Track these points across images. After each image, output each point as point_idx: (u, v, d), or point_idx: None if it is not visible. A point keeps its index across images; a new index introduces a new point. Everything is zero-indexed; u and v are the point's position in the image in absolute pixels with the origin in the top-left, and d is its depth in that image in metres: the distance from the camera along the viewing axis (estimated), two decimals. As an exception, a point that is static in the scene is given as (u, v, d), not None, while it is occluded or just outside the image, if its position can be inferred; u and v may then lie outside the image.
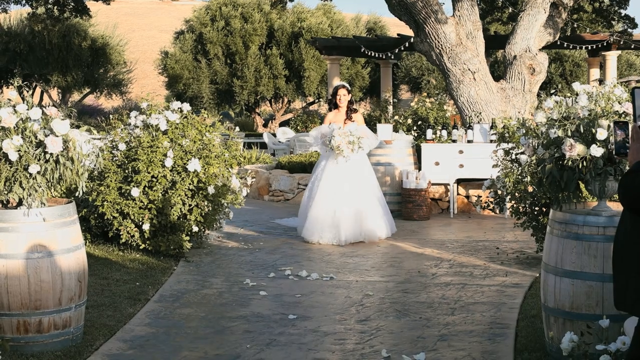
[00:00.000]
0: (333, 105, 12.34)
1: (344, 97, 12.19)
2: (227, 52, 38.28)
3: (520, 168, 9.92)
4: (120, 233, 10.49)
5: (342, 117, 12.13)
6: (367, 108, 40.16)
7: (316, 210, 11.67)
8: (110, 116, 11.33)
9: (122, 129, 10.91)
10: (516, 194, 10.14)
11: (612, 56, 27.63)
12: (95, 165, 6.96)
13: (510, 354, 6.56)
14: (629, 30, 26.23)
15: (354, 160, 11.72)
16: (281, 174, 17.03)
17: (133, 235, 10.49)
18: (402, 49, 24.01)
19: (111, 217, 10.44)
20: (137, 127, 10.79)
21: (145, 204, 10.34)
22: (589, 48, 25.97)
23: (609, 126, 6.05)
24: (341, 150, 11.51)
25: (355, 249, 11.25)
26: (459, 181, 14.79)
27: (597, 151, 6.00)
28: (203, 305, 8.24)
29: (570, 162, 6.10)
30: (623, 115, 6.25)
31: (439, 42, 15.87)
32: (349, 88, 12.42)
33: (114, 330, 7.26)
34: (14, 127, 6.41)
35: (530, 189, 9.81)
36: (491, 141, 14.09)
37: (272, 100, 40.16)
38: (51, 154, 6.41)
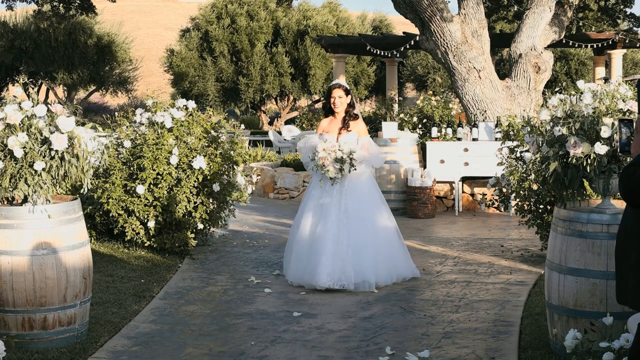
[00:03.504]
0: (327, 109, 9.48)
1: (339, 100, 9.26)
2: (233, 50, 38.32)
3: (524, 166, 9.92)
4: (126, 230, 10.50)
5: (338, 124, 9.30)
6: (372, 106, 40.18)
7: (298, 245, 9.08)
8: (116, 113, 11.35)
9: (127, 127, 10.92)
10: (521, 192, 10.14)
11: (617, 55, 27.59)
12: (100, 163, 6.98)
13: (514, 352, 6.56)
14: (635, 28, 26.22)
15: (350, 181, 9.01)
16: (286, 172, 17.04)
17: (138, 233, 10.51)
18: (408, 47, 24.00)
19: (116, 215, 10.45)
20: (143, 124, 10.81)
21: (151, 201, 10.36)
22: (595, 46, 25.91)
23: (613, 124, 6.05)
24: (326, 170, 8.84)
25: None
26: (464, 179, 14.79)
27: (601, 149, 6.00)
28: (208, 302, 8.25)
29: (574, 160, 6.11)
30: (627, 114, 6.25)
31: (444, 40, 15.87)
32: (347, 88, 9.43)
33: (119, 327, 7.27)
34: (20, 124, 6.42)
35: (534, 186, 9.82)
36: (496, 139, 14.10)
37: (278, 98, 40.21)
38: (56, 150, 6.42)
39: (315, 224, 9.01)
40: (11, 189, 6.48)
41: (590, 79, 30.68)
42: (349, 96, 9.37)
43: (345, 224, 8.90)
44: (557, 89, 8.12)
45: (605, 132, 5.99)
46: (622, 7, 25.31)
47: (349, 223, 8.91)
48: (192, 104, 10.91)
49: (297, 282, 8.92)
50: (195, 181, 10.46)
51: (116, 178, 10.44)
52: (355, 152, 8.91)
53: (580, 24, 26.19)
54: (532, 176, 9.37)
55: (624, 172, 3.85)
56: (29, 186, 6.45)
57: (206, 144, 10.78)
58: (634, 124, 4.07)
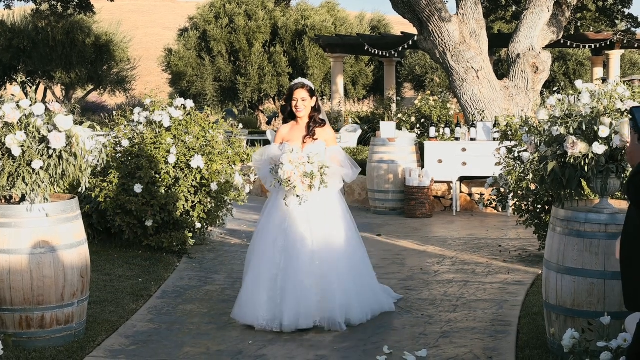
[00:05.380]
0: (288, 113, 7.81)
1: (302, 103, 7.66)
2: (231, 49, 38.31)
3: (522, 166, 9.92)
4: (123, 229, 10.50)
5: (302, 132, 7.67)
6: (370, 106, 40.17)
7: (252, 277, 7.45)
8: (114, 113, 11.34)
9: (125, 126, 10.92)
10: (519, 192, 10.14)
11: (615, 55, 27.65)
12: (98, 162, 6.98)
13: (512, 351, 6.57)
14: (633, 29, 26.25)
15: (318, 200, 7.42)
16: (284, 172, 17.00)
17: (136, 232, 10.50)
18: (406, 47, 24.07)
19: (114, 214, 10.44)
20: (141, 123, 10.80)
21: (148, 200, 10.35)
22: (593, 47, 25.98)
23: (611, 124, 6.06)
24: (292, 187, 7.23)
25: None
26: (462, 179, 14.79)
27: (599, 149, 6.00)
28: (205, 301, 8.25)
29: (572, 160, 6.11)
30: (625, 114, 6.26)
31: (442, 40, 15.87)
32: (312, 88, 7.82)
33: (117, 326, 7.28)
34: (18, 123, 6.42)
35: (532, 186, 9.82)
36: (494, 139, 14.10)
37: (276, 97, 40.20)
38: (54, 149, 6.42)
39: (278, 252, 7.37)
40: (9, 188, 6.48)
41: (588, 79, 30.72)
42: (314, 98, 7.75)
43: (312, 252, 7.35)
44: (555, 88, 8.11)
45: (603, 132, 6.00)
46: (620, 7, 25.32)
47: (317, 250, 7.36)
48: (190, 103, 10.90)
49: (264, 325, 7.25)
50: (193, 180, 10.45)
51: (114, 177, 10.43)
52: (327, 165, 7.34)
53: (579, 24, 26.20)
54: (530, 176, 9.37)
55: (633, 179, 3.84)
56: (26, 185, 6.45)
57: (204, 143, 10.78)
58: None
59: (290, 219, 7.43)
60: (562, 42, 23.55)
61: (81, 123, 6.79)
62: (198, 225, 10.67)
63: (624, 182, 6.19)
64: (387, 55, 25.00)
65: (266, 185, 7.63)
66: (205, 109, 11.66)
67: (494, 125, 14.49)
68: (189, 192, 10.46)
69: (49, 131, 6.43)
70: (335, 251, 7.45)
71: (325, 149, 7.57)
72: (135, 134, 10.77)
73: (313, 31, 37.22)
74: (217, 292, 8.64)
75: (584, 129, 6.15)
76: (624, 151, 6.02)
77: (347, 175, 7.59)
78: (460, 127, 14.99)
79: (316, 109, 7.73)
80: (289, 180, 7.21)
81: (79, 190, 6.95)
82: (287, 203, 7.40)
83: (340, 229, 7.56)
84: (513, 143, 10.95)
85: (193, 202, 10.54)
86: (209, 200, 10.64)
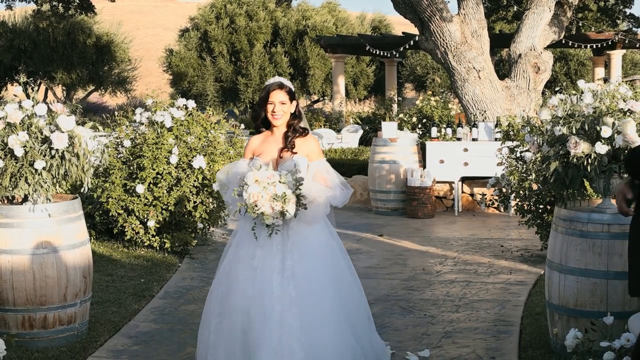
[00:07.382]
0: (262, 121, 5.96)
1: (281, 107, 5.84)
2: (232, 50, 38.34)
3: (524, 166, 9.92)
4: (125, 230, 10.49)
5: (277, 144, 5.90)
6: (371, 106, 40.18)
7: (219, 325, 5.75)
8: (116, 113, 11.33)
9: (127, 126, 10.91)
10: (521, 192, 10.14)
11: (617, 55, 27.67)
12: (100, 162, 6.98)
13: (514, 351, 6.57)
14: (634, 29, 26.29)
15: (298, 231, 5.71)
16: (286, 172, 16.98)
17: (138, 232, 10.50)
18: (407, 47, 24.06)
19: (116, 214, 10.44)
20: (142, 124, 10.79)
21: (150, 200, 10.35)
22: (594, 47, 25.98)
23: (613, 124, 6.06)
24: (260, 214, 5.48)
25: (359, 246, 11.25)
26: (464, 179, 14.78)
27: (601, 149, 6.00)
28: (208, 301, 8.24)
29: (575, 160, 6.11)
30: (628, 113, 6.26)
31: (444, 40, 15.86)
32: (292, 89, 5.96)
33: (119, 326, 7.28)
34: (20, 123, 6.42)
35: (534, 186, 9.82)
36: (496, 139, 14.09)
37: (276, 98, 40.19)
38: (57, 149, 6.42)
39: (248, 296, 5.63)
40: (11, 188, 6.48)
41: (590, 79, 30.72)
42: (294, 102, 5.96)
43: (292, 298, 5.59)
44: (557, 88, 8.11)
45: (605, 132, 6.00)
46: (621, 7, 25.39)
47: (298, 296, 5.61)
48: (191, 104, 10.89)
49: None
50: (195, 180, 10.45)
51: (116, 177, 10.43)
52: (303, 182, 5.55)
53: (580, 24, 26.25)
54: (532, 176, 9.37)
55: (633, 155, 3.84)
56: (29, 185, 6.45)
57: (206, 144, 10.78)
58: None
59: (263, 257, 5.68)
60: (563, 42, 23.54)
61: (83, 123, 6.80)
62: (200, 225, 10.67)
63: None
64: (388, 55, 25.00)
65: (231, 212, 5.96)
66: (207, 109, 11.65)
67: (496, 126, 14.49)
68: (190, 192, 10.46)
69: (52, 131, 6.43)
70: (323, 296, 5.72)
71: (308, 165, 5.85)
72: (137, 134, 10.76)
73: (314, 31, 37.25)
74: (219, 292, 8.63)
75: (587, 128, 6.15)
76: (626, 151, 6.02)
77: (335, 198, 5.78)
78: (461, 127, 14.99)
79: (296, 116, 5.97)
80: (256, 206, 5.47)
81: (81, 190, 6.95)
82: (258, 234, 5.62)
83: (330, 267, 5.84)
84: (515, 143, 10.95)
85: (195, 202, 10.53)
86: (210, 200, 10.64)
